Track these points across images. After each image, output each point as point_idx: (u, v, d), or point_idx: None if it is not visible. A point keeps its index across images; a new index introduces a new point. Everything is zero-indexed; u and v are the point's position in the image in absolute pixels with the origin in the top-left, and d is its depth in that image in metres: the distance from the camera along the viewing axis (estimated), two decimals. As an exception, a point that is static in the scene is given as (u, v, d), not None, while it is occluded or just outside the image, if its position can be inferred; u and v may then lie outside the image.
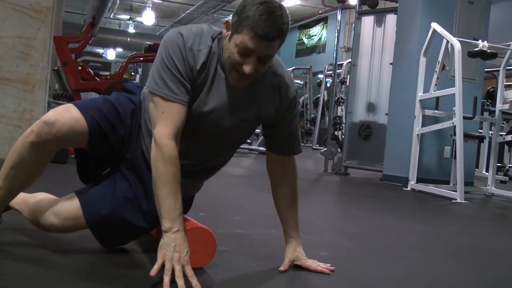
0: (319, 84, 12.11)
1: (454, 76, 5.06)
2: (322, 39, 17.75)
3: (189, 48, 1.67)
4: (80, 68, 6.17)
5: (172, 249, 1.51)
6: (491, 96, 8.29)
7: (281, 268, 1.83)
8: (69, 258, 1.77)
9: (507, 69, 5.74)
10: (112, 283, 1.57)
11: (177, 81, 1.65)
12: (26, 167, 1.72)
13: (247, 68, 1.60)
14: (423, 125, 5.47)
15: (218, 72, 1.72)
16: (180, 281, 1.46)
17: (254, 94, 1.76)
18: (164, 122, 1.62)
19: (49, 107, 5.09)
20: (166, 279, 1.46)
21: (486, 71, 6.61)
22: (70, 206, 1.79)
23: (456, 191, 4.79)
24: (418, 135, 5.49)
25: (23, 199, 1.97)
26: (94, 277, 1.62)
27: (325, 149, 6.98)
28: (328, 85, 11.87)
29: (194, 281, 1.49)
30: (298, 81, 14.19)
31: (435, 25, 5.38)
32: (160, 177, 1.59)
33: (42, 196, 1.95)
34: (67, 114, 1.69)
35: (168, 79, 1.65)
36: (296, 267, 1.87)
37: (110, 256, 1.83)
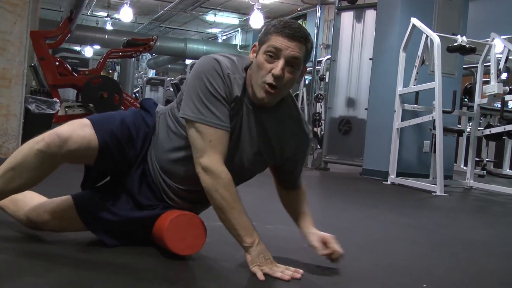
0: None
1: (433, 71, 5.10)
2: (301, 36, 17.76)
3: (227, 74, 1.69)
4: (57, 63, 6.09)
5: (263, 259, 1.65)
6: (468, 92, 8.35)
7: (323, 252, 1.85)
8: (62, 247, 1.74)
9: (485, 66, 5.80)
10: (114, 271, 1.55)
11: (220, 106, 1.68)
12: (26, 173, 1.70)
13: (276, 70, 1.65)
14: (402, 120, 5.50)
15: (247, 106, 1.74)
16: (289, 272, 1.65)
17: (280, 127, 1.81)
18: (214, 150, 1.66)
19: (26, 102, 5.00)
20: (279, 275, 1.63)
21: (464, 68, 6.66)
22: (67, 207, 1.80)
23: (435, 184, 4.82)
24: (397, 129, 5.51)
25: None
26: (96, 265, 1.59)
27: (305, 144, 6.97)
28: (307, 82, 11.87)
29: (289, 272, 1.65)
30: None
31: (414, 20, 5.41)
32: (226, 201, 1.66)
33: (31, 195, 1.93)
34: (81, 132, 1.70)
35: (212, 105, 1.67)
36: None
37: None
